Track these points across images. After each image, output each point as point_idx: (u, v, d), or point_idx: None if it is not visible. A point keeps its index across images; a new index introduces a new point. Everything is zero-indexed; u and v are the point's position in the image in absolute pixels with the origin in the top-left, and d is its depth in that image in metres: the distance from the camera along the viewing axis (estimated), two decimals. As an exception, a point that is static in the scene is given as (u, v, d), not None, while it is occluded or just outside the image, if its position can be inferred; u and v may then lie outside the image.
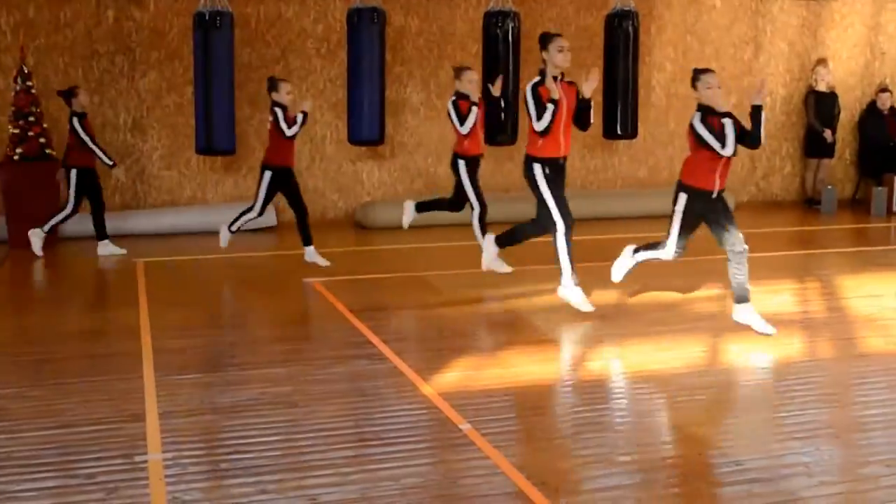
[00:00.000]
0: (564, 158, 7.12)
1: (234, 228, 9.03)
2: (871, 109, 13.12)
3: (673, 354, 6.19)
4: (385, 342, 6.41)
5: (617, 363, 6.21)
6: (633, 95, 10.58)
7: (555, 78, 6.95)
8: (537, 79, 6.95)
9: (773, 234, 11.22)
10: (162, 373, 5.71)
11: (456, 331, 6.97)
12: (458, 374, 5.76)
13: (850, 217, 12.47)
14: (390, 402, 5.31)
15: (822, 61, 13.18)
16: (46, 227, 9.52)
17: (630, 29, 10.41)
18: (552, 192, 6.98)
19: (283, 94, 8.63)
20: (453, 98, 8.54)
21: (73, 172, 9.46)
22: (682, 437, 4.85)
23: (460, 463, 4.45)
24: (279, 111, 8.55)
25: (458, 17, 12.13)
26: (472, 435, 4.71)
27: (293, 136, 8.61)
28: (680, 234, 6.72)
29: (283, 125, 8.51)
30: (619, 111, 10.41)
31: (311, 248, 8.87)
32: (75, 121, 9.41)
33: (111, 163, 9.55)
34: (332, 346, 6.53)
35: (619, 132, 10.53)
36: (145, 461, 4.34)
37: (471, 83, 8.50)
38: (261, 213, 8.90)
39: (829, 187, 12.62)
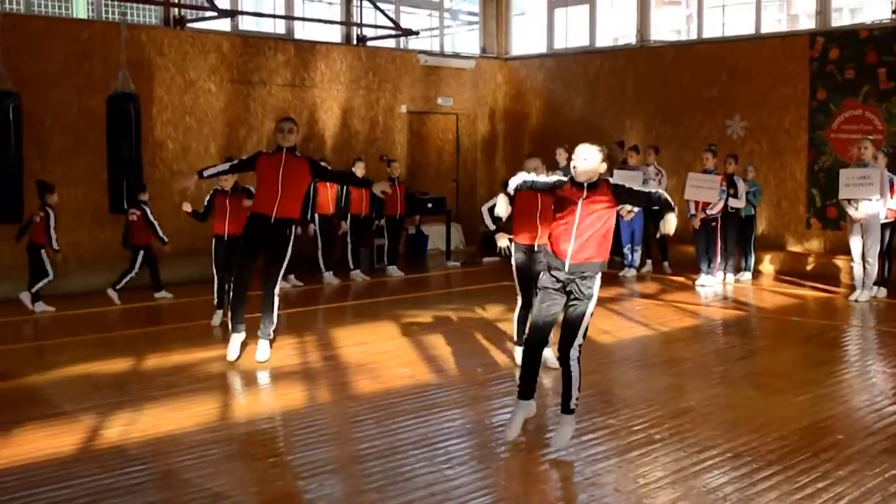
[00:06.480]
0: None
1: None
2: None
3: (184, 414, 6.11)
4: None
5: (133, 427, 5.90)
6: (138, 172, 10.35)
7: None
8: None
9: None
10: None
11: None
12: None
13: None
14: None
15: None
16: None
17: (132, 110, 10.17)
18: None
19: None
20: None
21: None
22: (196, 491, 4.76)
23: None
24: None
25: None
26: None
27: None
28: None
29: None
30: (126, 188, 10.09)
31: None
32: None
33: None
34: None
35: (125, 207, 10.18)
36: None
37: None
38: None
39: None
